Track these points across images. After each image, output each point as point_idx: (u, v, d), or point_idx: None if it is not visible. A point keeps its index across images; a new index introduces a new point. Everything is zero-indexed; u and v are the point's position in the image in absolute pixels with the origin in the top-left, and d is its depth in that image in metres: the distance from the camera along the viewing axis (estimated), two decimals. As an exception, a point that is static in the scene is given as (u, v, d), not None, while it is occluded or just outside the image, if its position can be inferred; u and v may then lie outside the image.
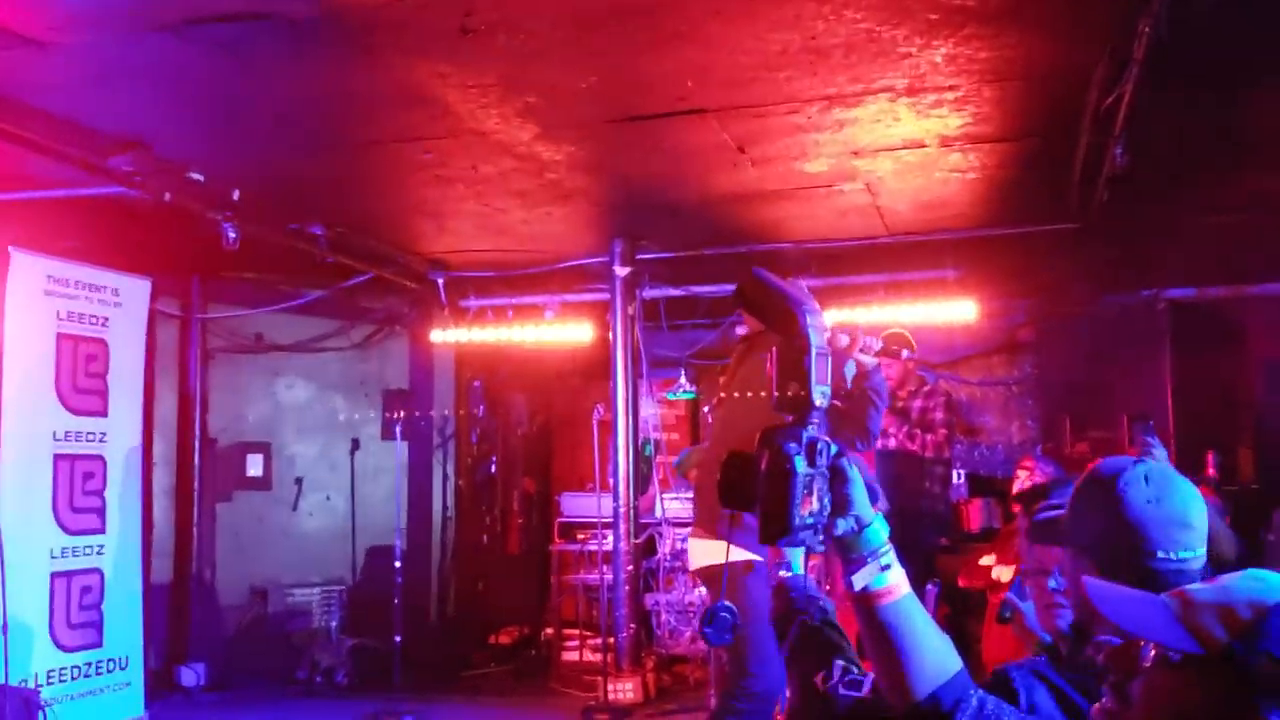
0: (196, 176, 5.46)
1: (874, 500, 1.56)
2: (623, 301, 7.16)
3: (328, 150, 5.33)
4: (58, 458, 5.85)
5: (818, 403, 1.47)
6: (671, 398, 8.27)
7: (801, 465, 1.45)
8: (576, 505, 7.99)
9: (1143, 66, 4.01)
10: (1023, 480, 5.33)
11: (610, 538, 7.06)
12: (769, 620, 3.77)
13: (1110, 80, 4.35)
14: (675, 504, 7.72)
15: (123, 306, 6.26)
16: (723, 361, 8.73)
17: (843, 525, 1.52)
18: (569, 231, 6.92)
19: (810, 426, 1.49)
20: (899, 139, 5.17)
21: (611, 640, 6.93)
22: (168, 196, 5.39)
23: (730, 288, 7.85)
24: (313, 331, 8.38)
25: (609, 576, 7.10)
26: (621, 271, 7.14)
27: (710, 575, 4.00)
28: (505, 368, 8.91)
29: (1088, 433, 7.43)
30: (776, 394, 1.52)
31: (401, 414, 7.68)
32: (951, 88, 4.52)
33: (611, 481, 7.07)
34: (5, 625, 4.89)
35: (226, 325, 7.85)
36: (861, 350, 3.88)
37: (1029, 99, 4.71)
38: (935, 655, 1.52)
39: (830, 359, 1.53)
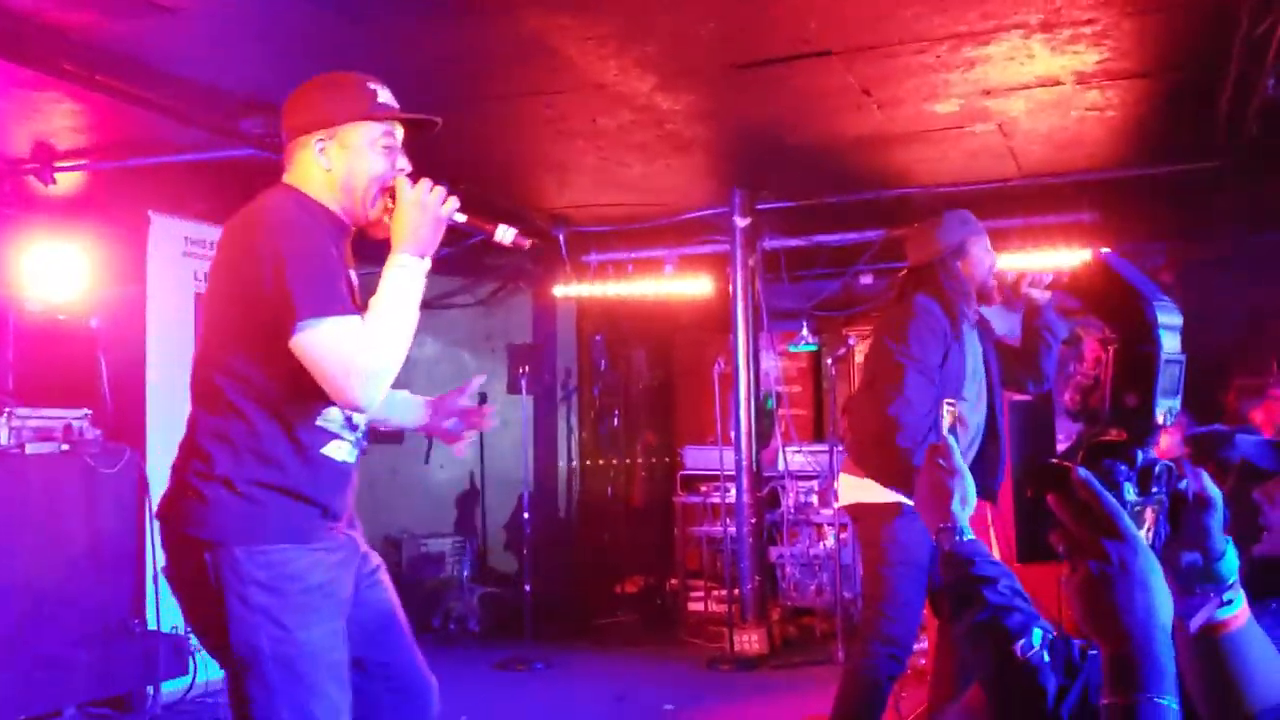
0: (323, 137, 5.55)
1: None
2: (743, 253, 7.07)
3: (451, 108, 5.34)
4: (200, 415, 6.04)
5: (1160, 420, 1.25)
6: (793, 350, 8.15)
7: (1131, 493, 1.26)
8: (699, 458, 7.98)
9: (1300, -10, 3.77)
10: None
11: (733, 490, 7.05)
12: (915, 568, 3.68)
13: (1261, 6, 4.09)
14: (799, 457, 7.65)
15: (256, 266, 6.41)
16: (845, 312, 8.63)
17: (1188, 558, 1.31)
18: (688, 183, 6.86)
19: (1149, 447, 1.26)
20: (1033, 77, 4.97)
21: (736, 592, 6.93)
22: (297, 157, 5.50)
23: (855, 235, 7.55)
24: (440, 289, 8.50)
25: (732, 529, 7.09)
26: (741, 223, 7.05)
27: (857, 512, 3.92)
28: (626, 322, 8.93)
29: (1234, 379, 7.09)
30: (1110, 403, 1.31)
31: (526, 368, 7.73)
32: (1089, 21, 4.32)
33: (733, 435, 7.04)
34: (155, 575, 5.11)
35: (358, 283, 8.00)
36: (1031, 284, 3.84)
37: (1172, 30, 4.47)
38: (1270, 672, 1.34)
39: (1176, 365, 1.27)
